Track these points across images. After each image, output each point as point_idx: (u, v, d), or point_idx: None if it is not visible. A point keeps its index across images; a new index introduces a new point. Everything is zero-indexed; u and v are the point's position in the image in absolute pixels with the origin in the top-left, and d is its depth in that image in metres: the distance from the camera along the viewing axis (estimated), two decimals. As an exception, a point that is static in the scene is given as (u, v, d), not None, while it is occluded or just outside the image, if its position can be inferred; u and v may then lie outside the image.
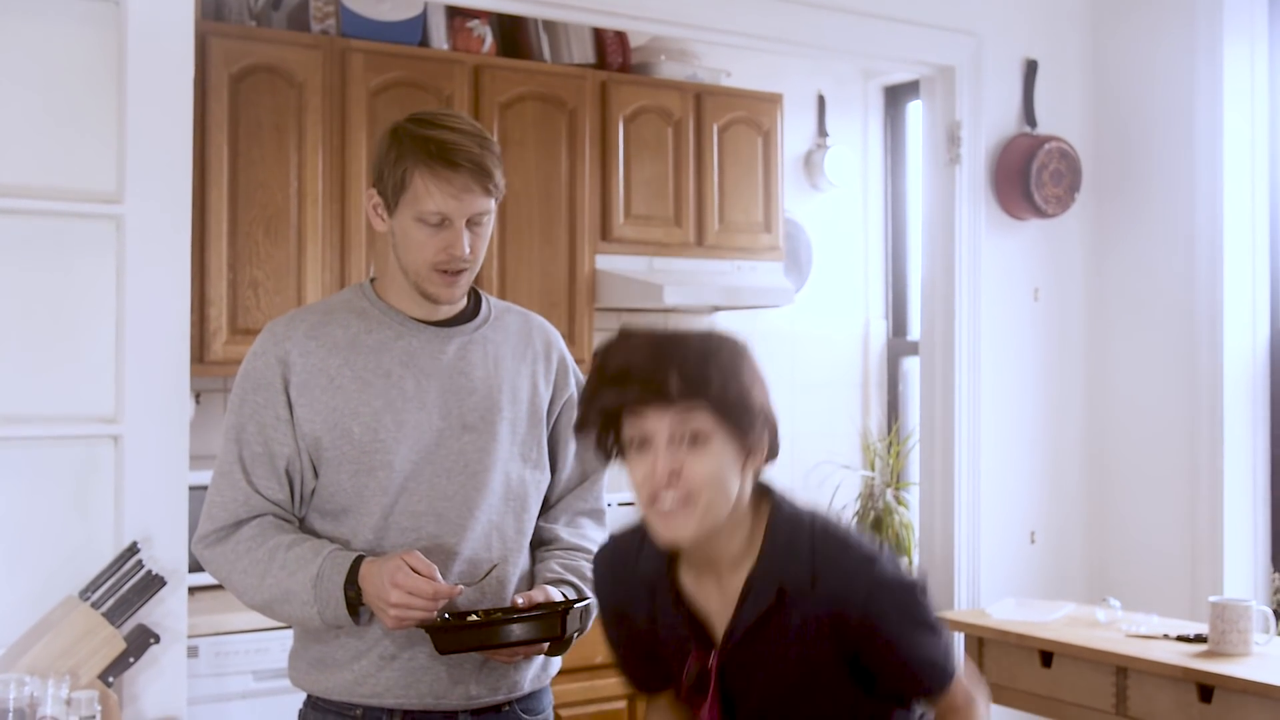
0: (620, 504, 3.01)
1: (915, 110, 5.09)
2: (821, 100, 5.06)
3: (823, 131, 5.05)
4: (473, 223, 2.04)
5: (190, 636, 2.95)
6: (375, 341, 2.09)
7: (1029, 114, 4.35)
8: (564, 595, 2.06)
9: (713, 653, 1.76)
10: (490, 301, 2.22)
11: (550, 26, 4.20)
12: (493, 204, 2.07)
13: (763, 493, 1.77)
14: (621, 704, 3.79)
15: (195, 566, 2.59)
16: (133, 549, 2.72)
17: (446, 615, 1.96)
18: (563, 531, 2.20)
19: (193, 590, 3.04)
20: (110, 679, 2.63)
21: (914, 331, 5.12)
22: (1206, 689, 3.07)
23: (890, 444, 5.07)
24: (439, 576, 1.95)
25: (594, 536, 2.21)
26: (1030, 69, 4.36)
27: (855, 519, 4.95)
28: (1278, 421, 4.14)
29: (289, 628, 2.14)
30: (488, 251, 2.15)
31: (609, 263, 4.13)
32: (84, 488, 2.81)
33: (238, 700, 3.20)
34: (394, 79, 3.76)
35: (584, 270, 4.08)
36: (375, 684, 2.04)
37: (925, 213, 4.37)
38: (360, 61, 3.72)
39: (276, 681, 3.10)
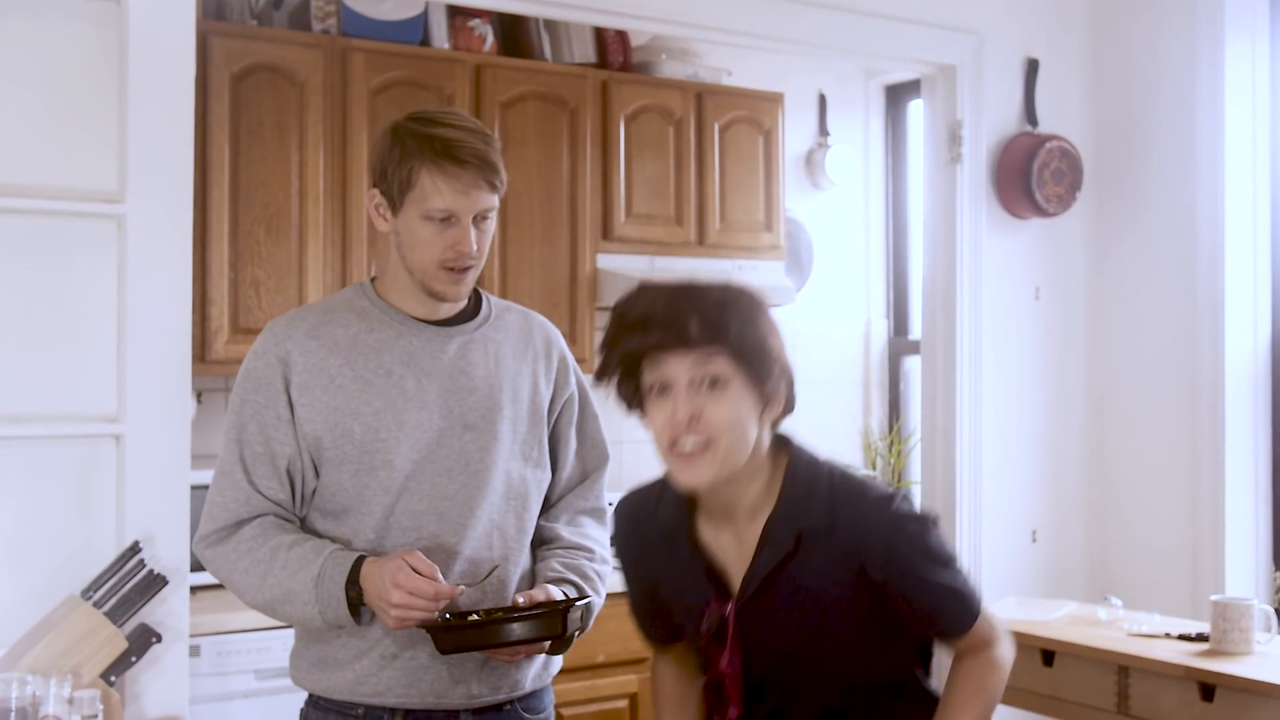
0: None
1: (916, 109, 5.09)
2: (823, 99, 5.05)
3: (824, 130, 5.04)
4: (478, 219, 2.05)
5: (192, 636, 2.95)
6: (376, 341, 2.09)
7: (1030, 113, 4.34)
8: (565, 594, 2.06)
9: (731, 602, 1.78)
10: (491, 300, 2.22)
11: (551, 26, 4.20)
12: (497, 200, 2.07)
13: (781, 444, 1.81)
14: (623, 703, 3.78)
15: (197, 566, 2.59)
16: (134, 548, 2.72)
17: (447, 615, 1.96)
18: (563, 530, 2.20)
19: (194, 589, 3.04)
20: (112, 678, 2.63)
21: (915, 330, 5.11)
22: (1208, 688, 3.07)
23: (891, 443, 5.07)
24: (440, 577, 1.95)
25: (595, 535, 2.22)
26: (1031, 68, 4.35)
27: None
28: (1279, 420, 4.14)
29: (290, 627, 2.14)
30: (489, 251, 2.15)
31: (610, 262, 4.13)
32: (86, 487, 2.82)
33: (239, 699, 3.20)
34: (395, 78, 3.76)
35: (585, 269, 4.08)
36: (377, 683, 2.04)
37: (926, 212, 4.36)
38: (361, 61, 3.72)
39: (278, 681, 3.10)
